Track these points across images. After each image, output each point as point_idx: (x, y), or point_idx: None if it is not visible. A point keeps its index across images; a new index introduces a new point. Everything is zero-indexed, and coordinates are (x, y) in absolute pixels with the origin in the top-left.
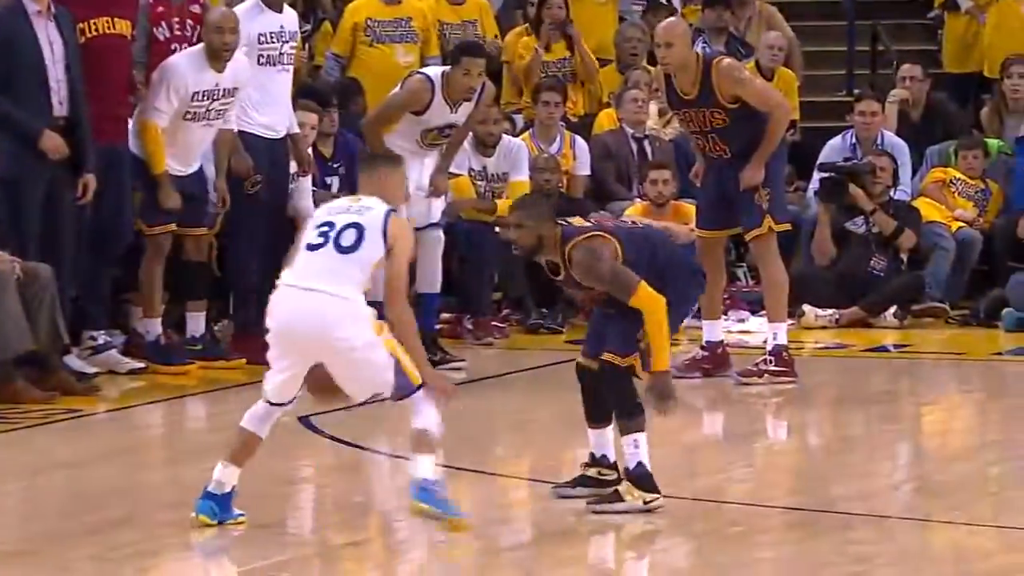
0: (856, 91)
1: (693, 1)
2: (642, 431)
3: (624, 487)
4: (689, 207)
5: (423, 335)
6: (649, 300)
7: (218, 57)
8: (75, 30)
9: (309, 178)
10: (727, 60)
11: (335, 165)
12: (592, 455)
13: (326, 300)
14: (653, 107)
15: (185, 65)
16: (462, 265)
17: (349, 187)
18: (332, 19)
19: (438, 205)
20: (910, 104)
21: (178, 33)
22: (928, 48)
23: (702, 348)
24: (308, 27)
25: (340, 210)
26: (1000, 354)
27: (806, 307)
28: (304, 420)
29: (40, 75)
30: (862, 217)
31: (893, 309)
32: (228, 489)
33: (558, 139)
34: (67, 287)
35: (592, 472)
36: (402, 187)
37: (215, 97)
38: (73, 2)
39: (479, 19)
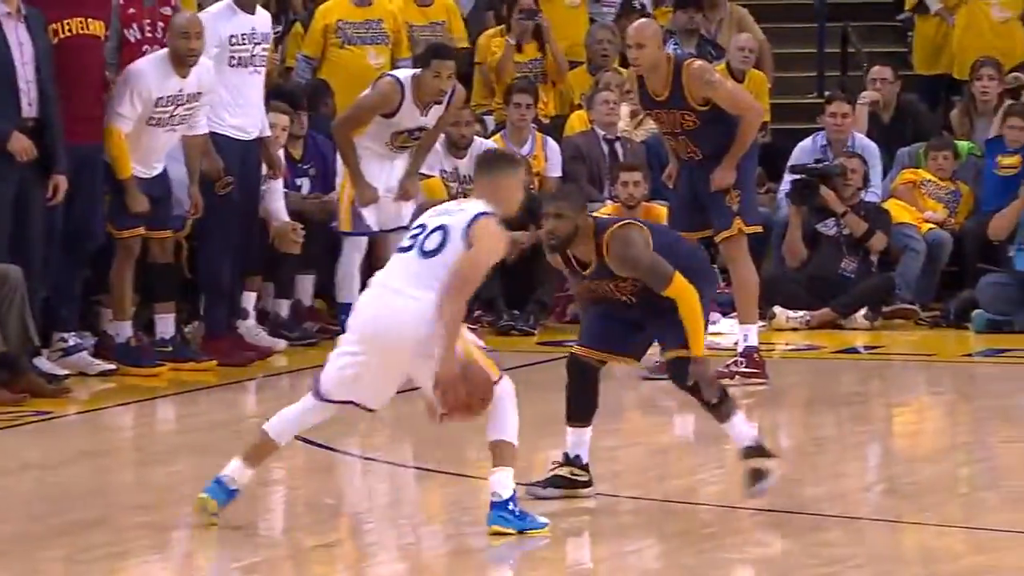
0: (827, 93)
1: (665, 3)
2: (738, 409)
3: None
4: (661, 209)
5: None
6: (684, 288)
7: (183, 62)
8: (46, 31)
9: (280, 180)
10: (698, 62)
11: (305, 167)
12: (566, 455)
13: (407, 303)
14: (624, 109)
15: (149, 70)
16: None
17: (320, 188)
18: (303, 21)
19: (407, 208)
20: (880, 106)
21: (149, 35)
22: (898, 50)
23: None
24: (280, 29)
25: (437, 212)
26: (970, 355)
27: (777, 309)
28: None
29: (9, 76)
30: (833, 219)
31: (864, 311)
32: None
33: (529, 141)
34: (37, 288)
35: (565, 472)
36: (519, 190)
37: (179, 103)
38: (46, 3)
39: (447, 20)
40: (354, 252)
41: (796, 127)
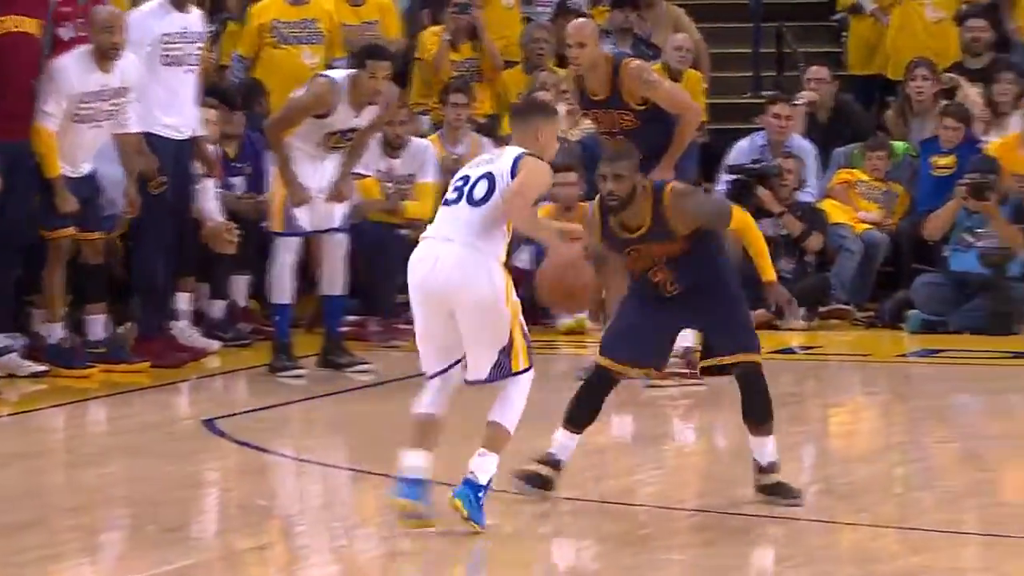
0: (763, 93)
1: (601, 2)
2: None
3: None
4: None
5: (328, 337)
6: (745, 217)
7: (106, 56)
8: None
9: (213, 180)
10: (636, 62)
11: (240, 166)
12: (551, 455)
13: (460, 250)
14: (561, 108)
15: (71, 66)
16: (368, 267)
17: (255, 188)
18: (238, 20)
19: (340, 209)
20: (817, 106)
21: (82, 34)
22: (833, 50)
23: None
24: (214, 28)
25: (478, 163)
26: (905, 356)
27: None
28: (208, 423)
29: None
30: (770, 219)
31: (800, 311)
32: (427, 476)
33: (465, 140)
34: None
35: (545, 471)
36: (555, 139)
37: (104, 98)
38: None
39: (380, 20)
40: (286, 253)
41: (732, 127)
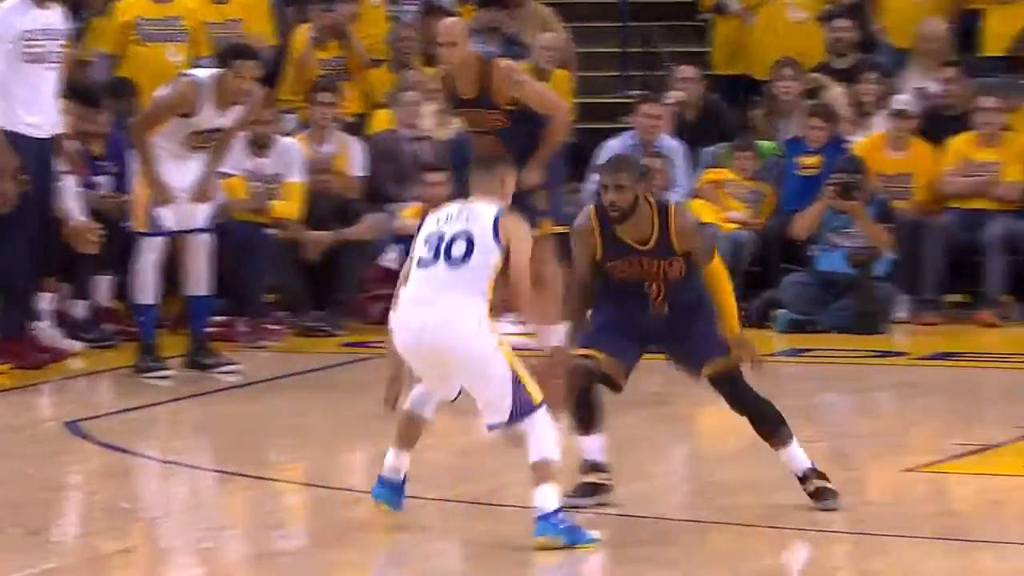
0: (631, 92)
1: (469, 1)
2: (793, 436)
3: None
4: None
5: (194, 338)
6: (721, 264)
7: None
8: None
9: (74, 178)
10: (505, 62)
11: (106, 165)
12: (587, 461)
13: (446, 314)
14: (429, 108)
15: None
16: (235, 267)
17: (121, 187)
18: (102, 16)
19: (204, 208)
20: (685, 106)
21: None
22: (699, 50)
23: None
24: (77, 24)
25: (447, 218)
26: (773, 355)
27: None
28: (72, 425)
29: None
30: None
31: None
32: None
33: (332, 139)
34: None
35: (592, 478)
36: (512, 188)
37: None
38: None
39: (244, 18)
40: (150, 252)
41: (600, 127)
